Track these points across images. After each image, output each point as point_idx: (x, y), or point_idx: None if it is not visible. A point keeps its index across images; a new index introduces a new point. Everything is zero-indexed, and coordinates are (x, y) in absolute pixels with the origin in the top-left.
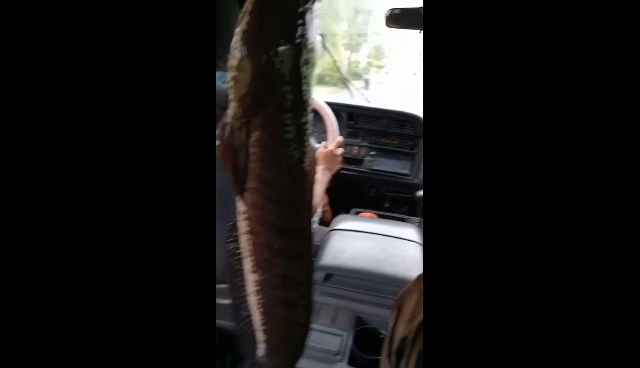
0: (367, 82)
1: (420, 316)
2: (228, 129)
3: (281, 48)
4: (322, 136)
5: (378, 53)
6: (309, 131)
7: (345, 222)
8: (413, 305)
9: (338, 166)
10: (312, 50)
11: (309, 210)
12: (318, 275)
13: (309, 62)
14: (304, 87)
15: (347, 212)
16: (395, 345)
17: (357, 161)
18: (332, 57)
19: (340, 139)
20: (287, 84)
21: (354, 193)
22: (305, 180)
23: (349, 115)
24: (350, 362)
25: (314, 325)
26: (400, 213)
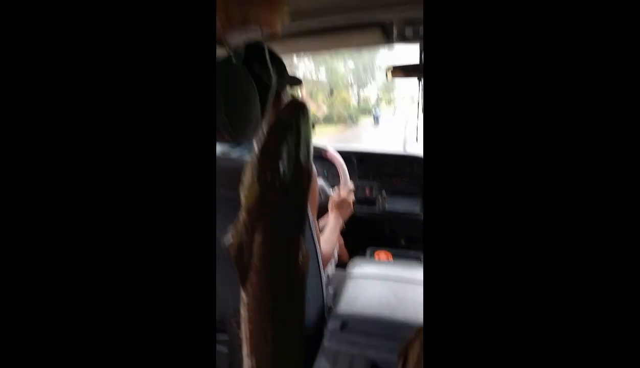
0: (377, 118)
1: None
2: (237, 230)
3: (283, 171)
4: (336, 181)
5: (388, 87)
6: (304, 234)
7: (360, 268)
8: (417, 355)
9: (350, 212)
10: (308, 168)
11: (301, 306)
12: (334, 323)
13: (304, 178)
14: (299, 199)
15: (364, 251)
16: None
17: (370, 202)
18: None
19: (351, 186)
20: (286, 197)
21: (369, 233)
22: (299, 278)
23: (358, 160)
24: None
25: None
26: (415, 251)
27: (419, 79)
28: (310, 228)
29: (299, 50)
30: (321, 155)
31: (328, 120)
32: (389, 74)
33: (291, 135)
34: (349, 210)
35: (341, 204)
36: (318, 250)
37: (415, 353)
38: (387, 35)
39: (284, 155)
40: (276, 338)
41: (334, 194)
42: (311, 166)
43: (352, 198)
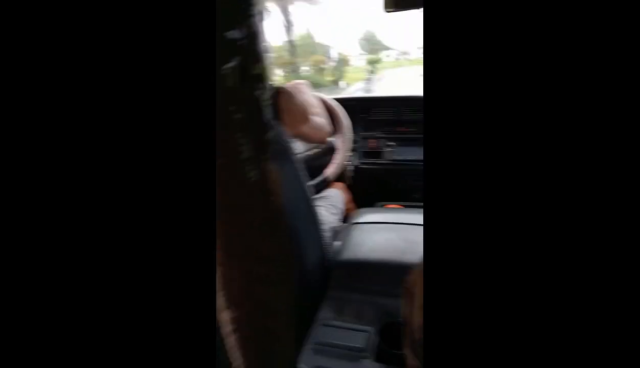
0: (369, 80)
1: None
2: None
3: (226, 66)
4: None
5: (371, 43)
6: (269, 149)
7: (366, 215)
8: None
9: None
10: (259, 61)
11: (284, 234)
12: (340, 271)
13: (257, 77)
14: (255, 104)
15: (372, 207)
16: (415, 336)
17: (376, 154)
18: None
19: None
20: (235, 102)
21: (378, 187)
22: (270, 201)
23: (361, 108)
24: (377, 359)
25: (339, 323)
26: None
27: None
28: (292, 160)
29: None
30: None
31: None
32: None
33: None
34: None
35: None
36: (306, 191)
37: (422, 287)
38: None
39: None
40: (260, 279)
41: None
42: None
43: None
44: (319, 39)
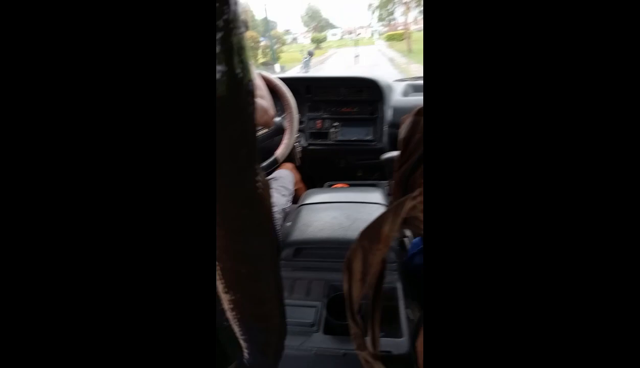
0: (306, 61)
1: (370, 273)
2: None
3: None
4: (283, 115)
5: (315, 20)
6: (257, 156)
7: (312, 196)
8: (361, 263)
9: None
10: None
11: (267, 234)
12: (288, 252)
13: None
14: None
15: (321, 186)
16: (355, 307)
17: (323, 134)
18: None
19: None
20: (227, 112)
21: (325, 167)
22: (259, 206)
23: (306, 88)
24: (325, 331)
25: (290, 301)
26: (372, 180)
27: None
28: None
29: None
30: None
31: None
32: None
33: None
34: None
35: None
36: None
37: (359, 262)
38: None
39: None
40: (248, 275)
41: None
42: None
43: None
44: (259, 13)
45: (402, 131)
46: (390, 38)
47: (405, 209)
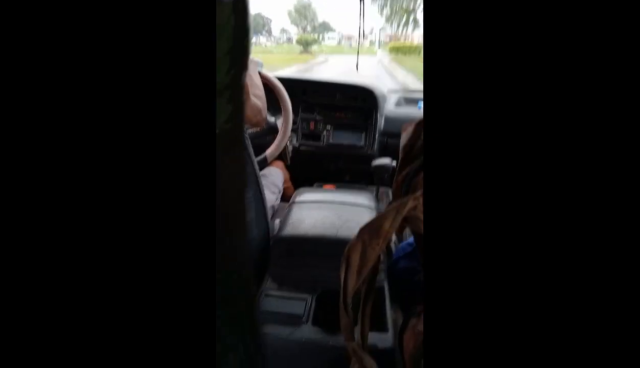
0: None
1: (367, 267)
2: None
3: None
4: (277, 115)
5: (306, 18)
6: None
7: (304, 195)
8: (359, 256)
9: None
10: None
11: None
12: (280, 247)
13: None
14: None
15: (311, 186)
16: (349, 299)
17: (315, 136)
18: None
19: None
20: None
21: (314, 168)
22: (240, 204)
23: (303, 90)
24: (314, 322)
25: (280, 293)
26: (360, 185)
27: None
28: (246, 147)
29: None
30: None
31: None
32: None
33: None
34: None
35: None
36: (257, 173)
37: (357, 255)
38: None
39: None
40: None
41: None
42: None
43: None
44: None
45: (404, 138)
46: (396, 50)
47: (407, 208)
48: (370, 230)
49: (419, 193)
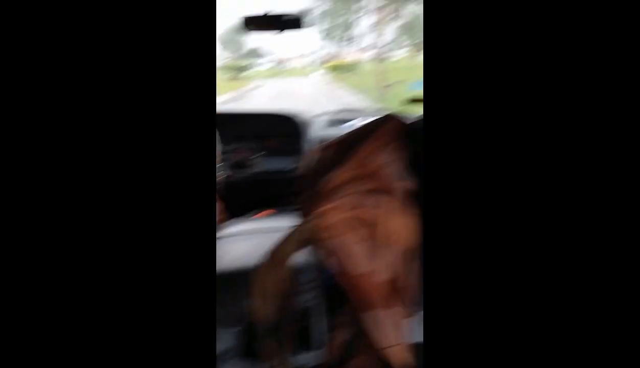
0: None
1: (270, 293)
2: None
3: None
4: None
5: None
6: None
7: (233, 227)
8: (259, 285)
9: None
10: None
11: None
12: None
13: None
14: None
15: (247, 214)
16: (263, 326)
17: (245, 165)
18: None
19: None
20: None
21: (249, 197)
22: None
23: (230, 121)
24: (244, 355)
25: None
26: (292, 207)
27: (277, 31)
28: None
29: None
30: None
31: None
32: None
33: None
34: None
35: None
36: None
37: (258, 283)
38: None
39: None
40: None
41: None
42: None
43: None
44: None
45: (308, 162)
46: (336, 68)
47: (306, 231)
48: (267, 258)
49: (312, 216)
